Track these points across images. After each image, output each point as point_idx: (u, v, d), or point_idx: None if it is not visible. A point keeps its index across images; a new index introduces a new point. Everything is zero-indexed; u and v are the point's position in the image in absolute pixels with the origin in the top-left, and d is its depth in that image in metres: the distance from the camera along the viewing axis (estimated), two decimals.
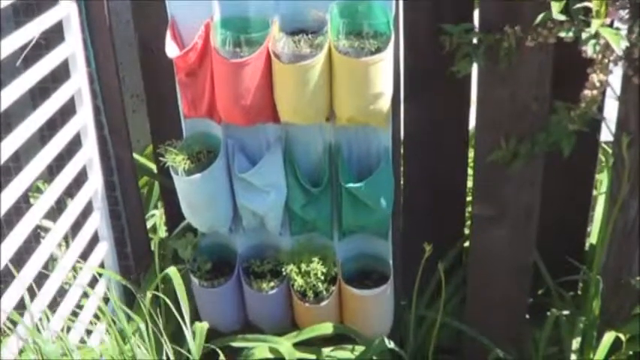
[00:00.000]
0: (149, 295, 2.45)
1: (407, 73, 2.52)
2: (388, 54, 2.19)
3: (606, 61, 2.07)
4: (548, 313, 2.74)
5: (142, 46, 2.67)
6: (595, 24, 1.97)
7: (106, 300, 2.59)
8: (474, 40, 2.29)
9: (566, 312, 2.75)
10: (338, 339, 2.65)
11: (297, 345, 2.59)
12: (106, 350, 2.40)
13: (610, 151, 2.89)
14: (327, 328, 2.59)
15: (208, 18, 2.27)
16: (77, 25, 2.39)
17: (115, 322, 2.44)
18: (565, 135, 2.26)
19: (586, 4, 2.02)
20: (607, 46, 2.03)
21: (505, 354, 2.70)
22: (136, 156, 2.83)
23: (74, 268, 2.44)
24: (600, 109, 2.50)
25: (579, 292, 2.96)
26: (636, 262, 2.56)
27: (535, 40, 2.17)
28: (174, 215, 2.77)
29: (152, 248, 2.75)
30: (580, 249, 2.95)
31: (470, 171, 2.87)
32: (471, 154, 2.84)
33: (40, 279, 2.29)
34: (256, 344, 2.56)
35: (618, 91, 2.31)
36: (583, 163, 2.70)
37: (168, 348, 2.38)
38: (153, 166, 3.11)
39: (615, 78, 2.21)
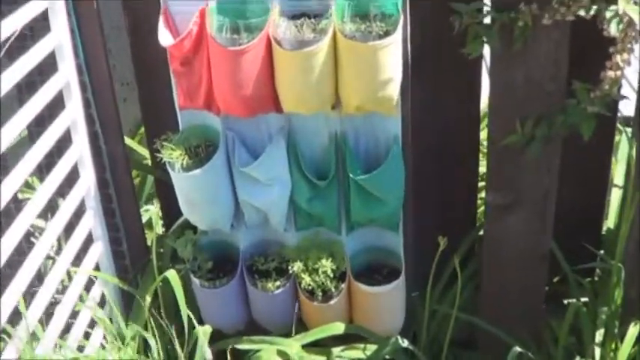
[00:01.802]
0: (148, 298, 2.35)
1: (414, 55, 2.40)
2: (397, 37, 2.07)
3: (629, 39, 1.96)
4: (566, 302, 2.66)
5: (133, 33, 2.57)
6: (622, 1, 1.85)
7: (104, 301, 2.50)
8: (487, 20, 2.17)
9: (584, 299, 2.66)
10: (347, 337, 2.55)
11: (306, 346, 2.49)
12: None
13: (625, 130, 2.81)
14: (337, 328, 2.48)
15: (203, 3, 2.15)
16: (64, 13, 2.27)
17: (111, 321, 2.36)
18: (584, 118, 2.15)
19: None
20: (629, 24, 1.92)
21: (522, 346, 2.61)
22: (127, 141, 2.72)
23: (68, 271, 2.34)
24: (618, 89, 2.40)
25: (596, 279, 2.87)
26: None
27: (552, 17, 2.06)
28: (170, 210, 2.69)
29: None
30: (597, 234, 2.86)
31: (481, 157, 2.78)
32: (482, 136, 2.75)
33: (34, 282, 2.20)
34: (263, 346, 2.46)
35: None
36: (599, 145, 2.59)
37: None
38: (145, 152, 3.02)
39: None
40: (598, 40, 1.98)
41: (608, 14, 1.91)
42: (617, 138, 2.78)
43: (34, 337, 2.18)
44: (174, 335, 2.34)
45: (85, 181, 2.44)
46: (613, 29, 1.92)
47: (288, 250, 2.49)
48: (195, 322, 2.35)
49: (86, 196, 2.46)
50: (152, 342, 2.39)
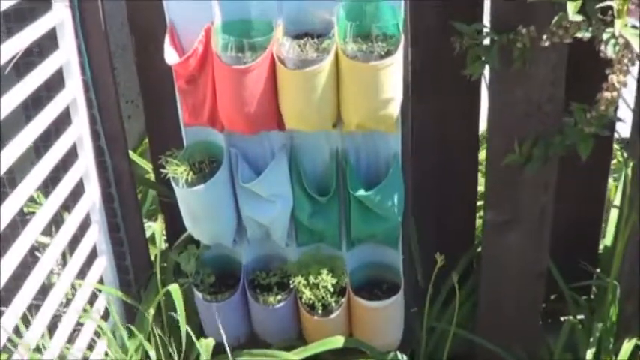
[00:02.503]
0: (152, 311, 2.37)
1: (414, 75, 2.43)
2: (398, 57, 2.10)
3: (625, 61, 1.99)
4: (562, 319, 2.68)
5: (139, 50, 2.59)
6: (618, 24, 1.89)
7: (107, 314, 2.52)
8: (486, 41, 2.21)
9: (580, 316, 2.69)
10: (346, 351, 2.57)
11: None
12: None
13: (622, 152, 2.84)
14: (337, 342, 2.50)
15: (209, 22, 2.17)
16: (71, 31, 2.30)
17: (115, 337, 2.38)
18: (582, 138, 2.18)
19: (605, 3, 1.94)
20: (626, 46, 1.96)
21: None
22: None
23: (73, 285, 2.36)
24: (615, 110, 2.43)
25: (592, 296, 2.90)
26: None
27: (550, 40, 2.09)
28: (173, 225, 2.70)
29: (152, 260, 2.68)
30: (593, 253, 2.89)
31: (480, 176, 2.81)
32: (481, 157, 2.78)
33: (39, 295, 2.21)
34: (263, 359, 2.48)
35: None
36: (596, 164, 2.61)
37: None
38: (147, 166, 3.04)
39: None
40: (594, 62, 2.02)
41: (604, 36, 1.93)
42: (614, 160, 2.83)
43: (38, 349, 2.20)
44: (174, 349, 2.36)
45: (90, 196, 2.46)
46: (610, 51, 1.95)
47: (290, 264, 2.51)
48: (193, 335, 2.38)
49: (91, 210, 2.48)
50: (152, 353, 2.42)
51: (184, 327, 2.36)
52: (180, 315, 2.37)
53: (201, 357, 2.39)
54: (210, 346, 2.39)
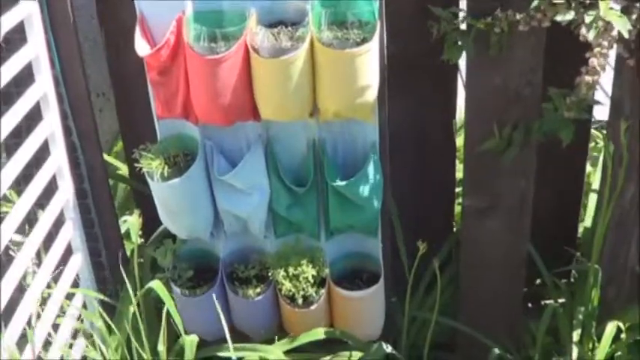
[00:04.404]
0: (131, 308, 2.34)
1: (390, 62, 2.41)
2: (374, 44, 2.08)
3: (605, 44, 1.97)
4: (543, 303, 2.67)
5: (109, 43, 2.55)
6: (603, 6, 1.87)
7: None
8: (463, 26, 2.18)
9: (561, 300, 2.68)
10: (328, 342, 2.55)
11: (288, 352, 2.49)
12: None
13: (600, 135, 2.83)
14: (319, 334, 2.48)
15: (180, 12, 2.13)
16: (40, 24, 2.25)
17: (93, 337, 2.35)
18: (563, 124, 2.16)
19: None
20: (605, 29, 1.94)
21: (501, 348, 2.62)
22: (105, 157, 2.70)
23: (49, 284, 2.32)
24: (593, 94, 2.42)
25: (572, 280, 2.89)
26: (633, 247, 2.49)
27: (529, 24, 2.07)
28: (148, 220, 2.65)
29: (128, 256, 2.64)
30: (573, 237, 2.88)
31: (458, 162, 2.79)
32: (459, 143, 2.76)
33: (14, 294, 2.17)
34: (245, 353, 2.45)
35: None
36: (574, 148, 2.60)
37: None
38: (122, 166, 3.00)
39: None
40: (572, 46, 2.00)
41: (587, 19, 1.91)
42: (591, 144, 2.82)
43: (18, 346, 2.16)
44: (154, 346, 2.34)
45: (64, 192, 2.42)
46: (591, 34, 1.93)
47: (268, 256, 2.48)
48: (182, 331, 2.36)
49: (65, 207, 2.44)
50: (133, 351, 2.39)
51: (179, 321, 2.35)
52: (172, 309, 2.34)
53: (186, 354, 2.35)
54: (194, 342, 2.37)
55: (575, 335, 2.56)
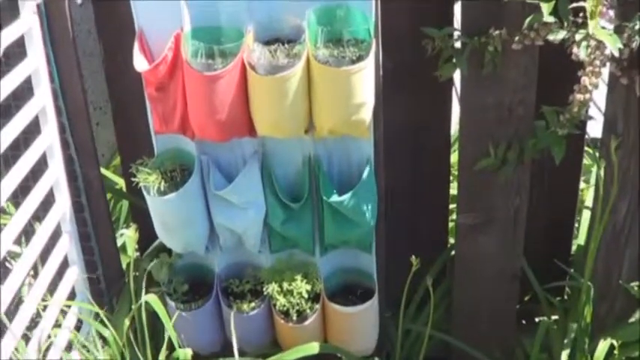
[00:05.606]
0: (126, 322, 2.35)
1: (385, 77, 2.43)
2: (370, 62, 2.09)
3: (597, 62, 1.99)
4: (537, 319, 2.68)
5: (108, 58, 2.56)
6: (592, 25, 1.89)
7: (81, 324, 2.49)
8: (457, 45, 2.21)
9: (554, 317, 2.69)
10: (322, 357, 2.55)
11: None
12: None
13: (593, 151, 2.85)
14: (313, 349, 2.48)
15: (178, 28, 2.15)
16: (39, 38, 2.27)
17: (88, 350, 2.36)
18: (556, 141, 2.18)
19: (577, 4, 1.94)
20: (597, 48, 1.96)
21: None
22: (102, 171, 2.71)
23: (44, 297, 2.33)
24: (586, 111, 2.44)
25: (565, 297, 2.90)
26: (626, 264, 2.51)
27: (522, 42, 2.10)
28: (144, 234, 2.67)
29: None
30: (566, 254, 2.90)
31: (452, 179, 2.81)
32: (453, 160, 2.77)
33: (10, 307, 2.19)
34: None
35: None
36: (567, 165, 2.62)
37: None
38: (119, 180, 3.01)
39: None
40: (565, 65, 2.02)
41: (578, 37, 1.93)
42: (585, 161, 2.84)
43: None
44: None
45: (61, 206, 2.44)
46: (582, 53, 1.95)
47: (263, 271, 2.49)
48: (176, 344, 2.36)
49: (62, 220, 2.45)
50: None
51: (173, 335, 2.36)
52: (167, 323, 2.35)
53: None
54: (188, 356, 2.37)
55: (567, 353, 2.57)
